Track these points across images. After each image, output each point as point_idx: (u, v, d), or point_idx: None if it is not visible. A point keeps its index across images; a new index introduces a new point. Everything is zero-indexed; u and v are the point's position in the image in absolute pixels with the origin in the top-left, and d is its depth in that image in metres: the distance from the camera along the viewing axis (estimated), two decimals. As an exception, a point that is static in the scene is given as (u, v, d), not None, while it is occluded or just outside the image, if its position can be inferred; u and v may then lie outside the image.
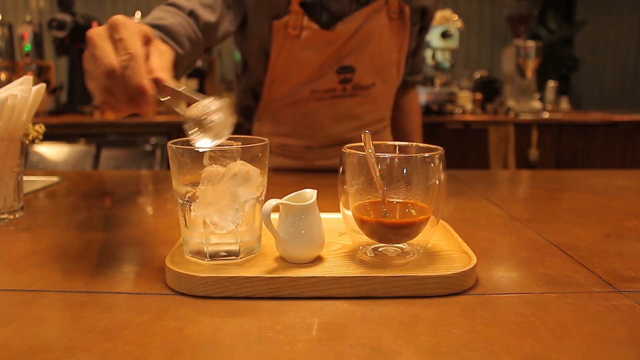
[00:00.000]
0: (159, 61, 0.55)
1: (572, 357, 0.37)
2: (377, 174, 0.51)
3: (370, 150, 0.51)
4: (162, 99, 0.54)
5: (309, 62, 1.02)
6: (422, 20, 1.15)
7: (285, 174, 1.10)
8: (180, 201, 0.53)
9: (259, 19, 1.00)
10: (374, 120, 1.15)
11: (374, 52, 1.05)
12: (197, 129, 0.52)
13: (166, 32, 0.85)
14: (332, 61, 1.04)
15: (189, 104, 0.54)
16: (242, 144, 0.53)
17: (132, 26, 0.53)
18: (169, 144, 0.52)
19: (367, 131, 0.51)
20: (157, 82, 0.53)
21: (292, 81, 1.05)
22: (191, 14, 0.91)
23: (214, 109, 0.52)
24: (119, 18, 0.53)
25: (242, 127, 1.20)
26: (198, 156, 0.51)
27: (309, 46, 1.00)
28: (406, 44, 1.11)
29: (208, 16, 0.93)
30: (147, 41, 0.55)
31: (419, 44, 1.22)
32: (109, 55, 0.51)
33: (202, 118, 0.52)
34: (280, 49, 1.00)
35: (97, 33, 0.53)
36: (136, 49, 0.51)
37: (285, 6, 0.98)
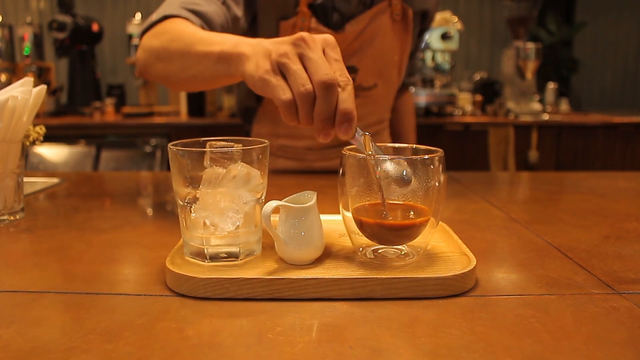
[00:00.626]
0: None
1: (571, 359, 0.38)
2: (377, 176, 0.51)
3: (370, 153, 0.51)
4: (358, 135, 0.51)
5: None
6: (422, 23, 1.16)
7: (285, 176, 1.10)
8: (181, 203, 0.53)
9: (268, 20, 1.00)
10: (374, 121, 1.16)
11: (377, 53, 1.06)
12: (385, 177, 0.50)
13: (204, 20, 0.83)
14: None
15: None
16: (242, 146, 0.54)
17: (337, 45, 0.52)
18: (170, 145, 0.53)
19: (367, 133, 0.51)
20: None
21: None
22: (224, 3, 0.89)
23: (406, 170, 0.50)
24: (328, 37, 0.53)
25: (241, 129, 1.20)
26: (199, 158, 0.51)
27: None
28: (408, 46, 1.11)
29: (236, 9, 0.92)
30: None
31: (416, 45, 1.23)
32: (328, 67, 0.49)
33: (396, 175, 0.50)
34: None
35: (312, 39, 0.51)
36: (349, 77, 0.50)
37: (293, 7, 0.98)
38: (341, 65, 0.51)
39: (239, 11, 0.92)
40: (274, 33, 1.00)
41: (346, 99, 0.49)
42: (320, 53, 0.51)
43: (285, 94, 0.51)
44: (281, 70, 0.52)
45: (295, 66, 0.50)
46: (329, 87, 0.48)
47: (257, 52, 0.56)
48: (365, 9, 1.01)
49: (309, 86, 0.49)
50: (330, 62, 0.51)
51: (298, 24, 0.98)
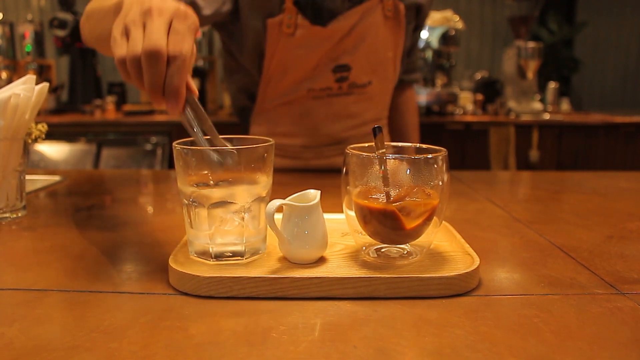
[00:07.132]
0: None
1: (574, 359, 0.38)
2: (381, 175, 0.51)
3: (382, 150, 0.50)
4: (186, 112, 0.53)
5: (304, 61, 1.03)
6: (417, 19, 1.16)
7: (285, 174, 1.10)
8: (186, 201, 0.53)
9: (253, 17, 1.00)
10: (371, 119, 1.15)
11: (370, 50, 1.06)
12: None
13: None
14: (327, 60, 1.04)
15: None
16: (246, 146, 0.53)
17: (190, 18, 0.51)
18: (175, 144, 0.52)
19: (379, 127, 0.51)
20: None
21: (288, 80, 1.05)
22: None
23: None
24: (181, 7, 0.51)
25: (239, 128, 1.20)
26: (203, 156, 0.51)
27: (303, 44, 1.01)
28: (402, 43, 1.11)
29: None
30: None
31: (414, 42, 1.22)
32: (161, 37, 0.48)
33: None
34: (275, 47, 1.01)
35: (159, 9, 0.50)
36: (190, 48, 0.50)
37: (279, 4, 0.98)
38: (180, 38, 0.50)
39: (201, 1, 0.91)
40: (261, 31, 1.00)
41: (173, 74, 0.49)
42: (162, 23, 0.50)
43: (120, 50, 0.51)
44: (126, 33, 0.52)
45: (136, 32, 0.50)
46: (151, 56, 0.48)
47: (123, 12, 0.54)
48: (354, 6, 1.01)
49: (137, 51, 0.49)
50: (171, 34, 0.50)
51: (285, 20, 0.98)
